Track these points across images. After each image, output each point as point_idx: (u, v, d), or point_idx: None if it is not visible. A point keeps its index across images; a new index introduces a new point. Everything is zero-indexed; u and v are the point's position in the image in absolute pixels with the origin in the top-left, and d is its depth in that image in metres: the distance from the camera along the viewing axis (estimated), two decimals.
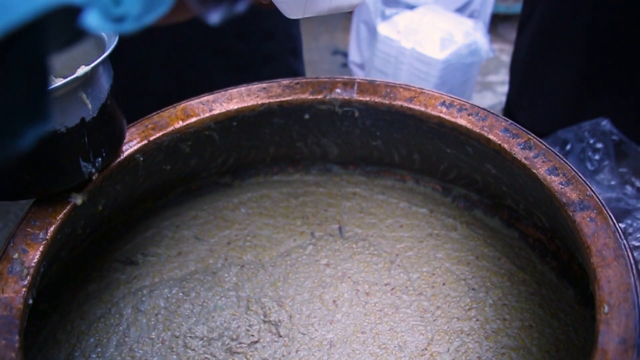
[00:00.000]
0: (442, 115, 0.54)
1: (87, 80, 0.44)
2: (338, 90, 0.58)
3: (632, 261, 0.40)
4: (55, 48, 0.24)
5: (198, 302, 0.58)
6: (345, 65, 1.73)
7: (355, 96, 0.57)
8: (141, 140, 0.53)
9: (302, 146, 0.65)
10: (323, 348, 0.55)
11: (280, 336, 0.55)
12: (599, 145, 0.98)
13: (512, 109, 1.16)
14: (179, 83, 0.81)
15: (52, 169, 0.45)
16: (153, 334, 0.55)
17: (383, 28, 1.25)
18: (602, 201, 0.45)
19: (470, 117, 0.54)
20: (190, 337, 0.55)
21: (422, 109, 0.55)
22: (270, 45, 0.82)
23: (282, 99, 0.58)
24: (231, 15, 0.27)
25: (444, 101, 0.55)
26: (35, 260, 0.43)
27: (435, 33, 1.20)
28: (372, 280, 0.60)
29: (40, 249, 0.44)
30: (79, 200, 0.48)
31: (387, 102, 0.57)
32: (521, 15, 1.12)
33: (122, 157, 0.51)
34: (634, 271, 0.40)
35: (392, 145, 0.63)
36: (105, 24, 0.22)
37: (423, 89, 0.57)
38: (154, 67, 0.80)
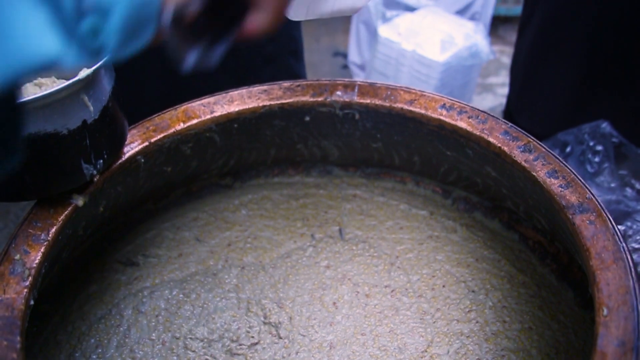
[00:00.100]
0: (442, 118, 0.55)
1: (89, 83, 0.44)
2: (339, 93, 0.58)
3: (631, 264, 0.40)
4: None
5: (198, 304, 0.58)
6: (345, 67, 1.73)
7: (356, 99, 0.58)
8: (142, 142, 0.53)
9: (303, 148, 0.65)
10: (323, 350, 0.55)
11: (281, 338, 0.56)
12: (599, 148, 0.98)
13: (513, 111, 1.17)
14: (179, 85, 0.81)
15: (53, 170, 0.45)
16: (153, 335, 0.55)
17: (384, 30, 1.26)
18: (602, 204, 0.45)
19: (470, 120, 0.54)
20: (190, 338, 0.55)
21: (423, 111, 0.55)
22: (271, 47, 0.82)
23: (283, 101, 0.58)
24: (205, 63, 0.27)
25: (444, 104, 0.56)
26: (37, 261, 0.43)
27: (435, 35, 1.20)
28: (372, 282, 0.60)
29: (42, 250, 0.44)
30: (80, 201, 0.48)
31: (387, 104, 0.57)
32: (521, 17, 1.12)
33: (123, 159, 0.51)
34: (633, 274, 0.40)
35: (393, 148, 0.63)
36: (82, 58, 0.23)
37: (423, 91, 0.57)
38: (154, 68, 0.80)
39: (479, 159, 0.56)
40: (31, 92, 0.44)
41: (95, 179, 0.49)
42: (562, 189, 0.47)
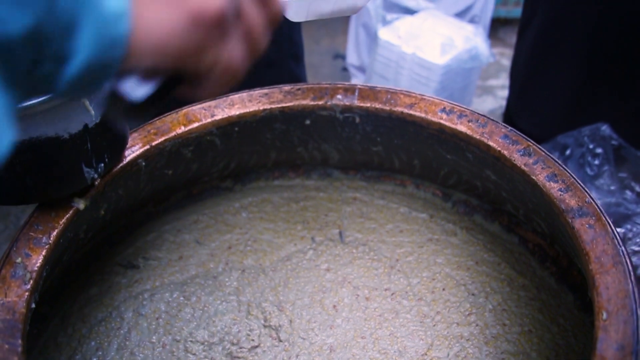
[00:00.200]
0: (442, 121, 0.55)
1: None
2: (339, 97, 0.58)
3: (630, 268, 0.41)
4: None
5: (199, 307, 0.58)
6: (346, 69, 1.73)
7: (356, 102, 0.58)
8: (143, 146, 0.53)
9: (303, 151, 0.65)
10: (323, 353, 0.55)
11: (281, 341, 0.56)
12: (599, 150, 0.98)
13: (512, 113, 1.17)
14: None
15: (55, 174, 0.45)
16: (154, 338, 0.56)
17: (384, 33, 1.26)
18: (601, 208, 0.45)
19: (470, 124, 0.54)
20: (191, 341, 0.55)
21: (423, 115, 0.56)
22: (272, 51, 0.83)
23: (284, 105, 0.58)
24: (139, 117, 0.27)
25: (444, 108, 0.56)
26: (38, 264, 0.44)
27: (435, 38, 1.21)
28: (372, 285, 0.60)
29: (43, 253, 0.44)
30: (81, 204, 0.48)
31: (387, 108, 0.57)
32: (521, 20, 1.12)
33: (124, 162, 0.52)
34: (632, 278, 0.40)
35: (393, 151, 0.63)
36: (27, 99, 0.23)
37: (423, 95, 0.57)
38: None
39: (479, 162, 0.56)
40: None
41: (97, 183, 0.49)
42: (562, 193, 0.47)
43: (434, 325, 0.57)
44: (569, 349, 0.53)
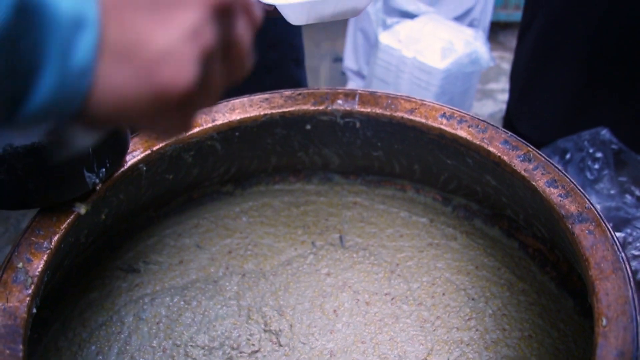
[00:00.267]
0: (442, 127, 0.55)
1: None
2: (339, 102, 0.58)
3: (630, 274, 0.41)
4: None
5: (199, 311, 0.58)
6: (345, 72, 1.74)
7: (357, 107, 0.58)
8: (144, 150, 0.53)
9: (304, 156, 0.66)
10: (323, 358, 0.55)
11: (281, 345, 0.56)
12: (599, 155, 0.98)
13: (512, 117, 1.17)
14: None
15: (56, 179, 0.45)
16: (154, 342, 0.56)
17: (384, 37, 1.26)
18: (601, 214, 0.46)
19: (470, 129, 0.54)
20: (191, 346, 0.55)
21: (423, 120, 0.56)
22: (273, 55, 0.83)
23: (284, 110, 0.58)
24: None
25: (445, 113, 0.56)
26: (40, 269, 0.44)
27: (436, 42, 1.21)
28: (373, 290, 0.60)
29: (45, 258, 0.44)
30: (82, 209, 0.48)
31: (388, 113, 0.57)
32: (521, 23, 1.12)
33: (125, 167, 0.52)
34: (632, 284, 0.40)
35: (393, 156, 0.63)
36: None
37: (424, 100, 0.57)
38: None
39: (479, 167, 0.56)
40: None
41: (98, 188, 0.49)
42: (562, 199, 0.47)
43: (434, 330, 0.57)
44: (569, 354, 0.53)
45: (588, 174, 0.97)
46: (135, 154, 0.53)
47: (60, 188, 0.46)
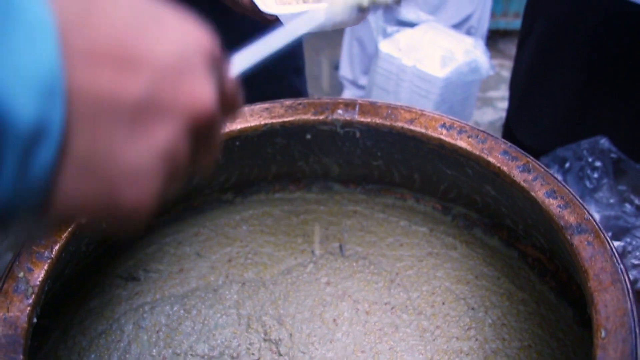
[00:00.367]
0: (442, 137, 0.55)
1: None
2: (340, 111, 0.59)
3: (628, 286, 0.41)
4: None
5: (199, 320, 0.58)
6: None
7: (357, 117, 0.58)
8: None
9: (304, 165, 0.66)
10: None
11: (281, 355, 0.56)
12: (598, 164, 0.99)
13: (512, 125, 1.17)
14: None
15: None
16: (154, 351, 0.56)
17: (384, 45, 1.27)
18: (600, 225, 0.46)
19: (470, 140, 0.55)
20: (191, 355, 0.55)
21: (423, 130, 0.56)
22: (274, 64, 0.83)
23: (285, 120, 0.59)
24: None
25: (444, 123, 0.56)
26: (40, 278, 0.44)
27: (436, 51, 1.21)
28: (372, 299, 0.60)
29: (45, 267, 0.45)
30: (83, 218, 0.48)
31: (388, 123, 0.57)
32: (521, 31, 1.13)
33: None
34: (631, 296, 0.40)
35: (393, 165, 0.63)
36: None
37: (424, 110, 0.58)
38: None
39: (479, 178, 0.56)
40: None
41: None
42: (561, 209, 0.48)
43: (434, 340, 0.57)
44: None
45: (587, 183, 0.97)
46: None
47: None
